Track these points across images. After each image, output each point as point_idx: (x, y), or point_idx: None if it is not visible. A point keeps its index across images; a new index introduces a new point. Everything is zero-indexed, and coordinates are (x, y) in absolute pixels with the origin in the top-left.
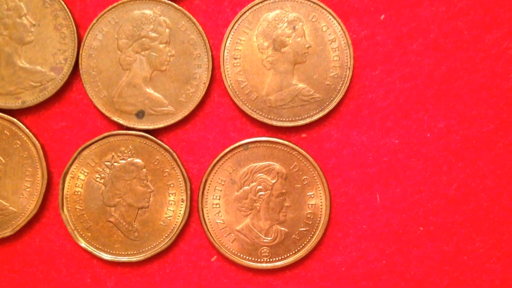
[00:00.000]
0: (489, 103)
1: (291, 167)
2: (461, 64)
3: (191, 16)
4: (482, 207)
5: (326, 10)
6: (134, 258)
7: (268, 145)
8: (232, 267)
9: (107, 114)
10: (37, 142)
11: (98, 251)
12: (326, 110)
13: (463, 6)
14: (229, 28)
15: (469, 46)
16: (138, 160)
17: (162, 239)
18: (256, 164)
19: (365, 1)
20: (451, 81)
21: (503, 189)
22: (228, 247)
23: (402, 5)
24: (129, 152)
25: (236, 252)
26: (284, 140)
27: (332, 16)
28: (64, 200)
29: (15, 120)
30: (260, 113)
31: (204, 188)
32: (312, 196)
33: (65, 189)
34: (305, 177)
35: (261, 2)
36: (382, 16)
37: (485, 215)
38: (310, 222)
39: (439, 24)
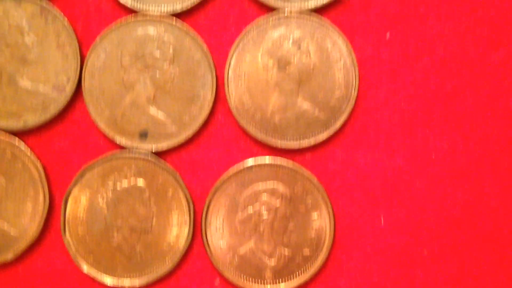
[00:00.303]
0: (495, 124)
1: (295, 189)
2: (467, 83)
3: (195, 35)
4: (488, 229)
5: (331, 28)
6: (136, 282)
7: (272, 166)
8: None
9: (110, 134)
10: (39, 163)
11: (100, 275)
12: (331, 130)
13: (469, 24)
14: (233, 47)
15: (475, 65)
16: (141, 182)
17: (165, 262)
18: (260, 185)
19: (371, 19)
20: (457, 101)
21: (509, 211)
22: (232, 270)
23: (408, 24)
24: (132, 174)
25: (239, 276)
26: (289, 160)
27: (338, 34)
28: (66, 223)
29: (16, 141)
30: (265, 134)
31: (207, 210)
32: (316, 218)
33: (67, 212)
34: (309, 198)
35: (266, 20)
36: (388, 35)
37: (491, 238)
38: (314, 245)
39: (445, 42)
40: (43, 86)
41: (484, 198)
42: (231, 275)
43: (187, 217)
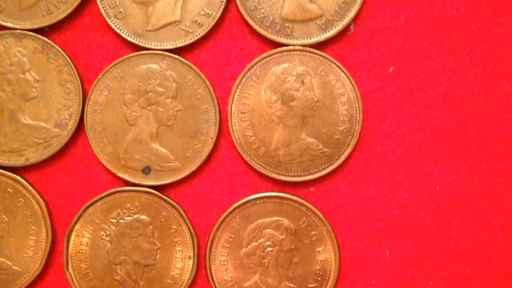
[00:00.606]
0: (498, 156)
1: (299, 223)
2: (471, 117)
3: (198, 70)
4: (493, 262)
5: (334, 63)
6: None
7: (276, 200)
8: None
9: (113, 170)
10: (41, 199)
11: None
12: (335, 164)
13: (472, 59)
14: (236, 82)
15: (479, 99)
16: (144, 217)
17: None
18: (264, 219)
19: (374, 53)
20: (460, 134)
21: None
22: None
23: (411, 58)
24: (135, 209)
25: None
26: (293, 195)
27: (341, 69)
28: (69, 259)
29: (18, 177)
30: (268, 168)
31: (211, 245)
32: (321, 251)
33: (70, 247)
34: (314, 232)
35: (269, 55)
36: (391, 69)
37: (496, 270)
38: (319, 278)
39: (448, 76)
40: (45, 122)
41: (489, 230)
42: None
43: (191, 252)
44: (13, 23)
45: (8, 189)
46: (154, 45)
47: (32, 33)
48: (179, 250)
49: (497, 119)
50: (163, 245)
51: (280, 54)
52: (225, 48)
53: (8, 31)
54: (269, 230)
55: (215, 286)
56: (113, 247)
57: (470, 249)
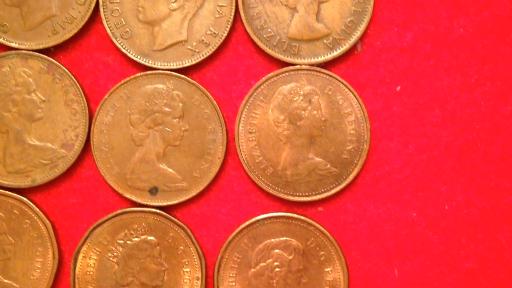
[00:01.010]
0: (507, 175)
1: (308, 243)
2: (479, 135)
3: (205, 90)
4: (502, 281)
5: (342, 82)
6: None
7: (284, 220)
8: None
9: (120, 191)
10: (47, 220)
11: None
12: (343, 184)
13: (480, 77)
14: (243, 102)
15: (486, 118)
16: (151, 238)
17: None
18: (272, 240)
19: (381, 72)
20: (468, 152)
21: None
22: None
23: (418, 76)
24: (142, 230)
25: None
26: (301, 214)
27: (348, 88)
28: (76, 280)
29: (24, 199)
30: (276, 188)
31: (219, 265)
32: (330, 271)
33: (77, 269)
34: (322, 252)
35: (276, 75)
36: (398, 88)
37: None
38: None
39: (456, 95)
40: (52, 143)
41: (498, 249)
42: None
43: (199, 273)
44: (18, 44)
45: (14, 211)
46: (161, 65)
47: (37, 53)
48: (186, 271)
49: (505, 138)
50: (170, 266)
51: (287, 74)
52: (231, 67)
53: (13, 51)
54: (278, 250)
55: None
56: (120, 269)
57: (479, 268)
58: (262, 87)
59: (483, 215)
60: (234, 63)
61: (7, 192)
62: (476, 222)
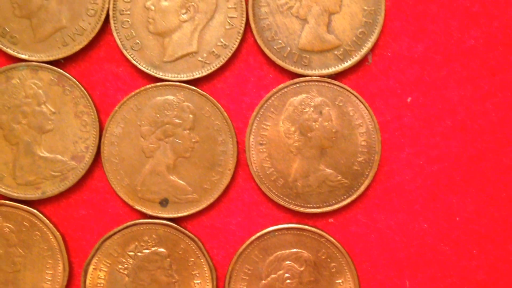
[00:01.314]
0: None
1: (319, 254)
2: (489, 146)
3: (215, 101)
4: None
5: (352, 93)
6: None
7: (295, 232)
8: None
9: (130, 202)
10: (57, 233)
11: None
12: (354, 195)
13: (490, 88)
14: (254, 113)
15: (497, 128)
16: (162, 250)
17: None
18: (283, 251)
19: (392, 83)
20: (479, 163)
21: None
22: None
23: (429, 87)
24: (153, 242)
25: None
26: (311, 226)
27: (359, 99)
28: None
29: (34, 211)
30: (287, 200)
31: (230, 277)
32: (341, 283)
33: (87, 281)
34: (333, 264)
35: (287, 86)
36: (409, 99)
37: None
38: None
39: (467, 106)
40: (62, 155)
41: (509, 261)
42: None
43: (209, 284)
44: (28, 55)
45: (24, 223)
46: (171, 76)
47: (47, 65)
48: (197, 283)
49: None
50: (181, 278)
51: (297, 85)
52: (242, 78)
53: (23, 63)
54: (288, 262)
55: None
56: (131, 281)
57: (491, 280)
58: (272, 98)
59: (494, 226)
60: (245, 74)
61: (17, 204)
62: (487, 233)
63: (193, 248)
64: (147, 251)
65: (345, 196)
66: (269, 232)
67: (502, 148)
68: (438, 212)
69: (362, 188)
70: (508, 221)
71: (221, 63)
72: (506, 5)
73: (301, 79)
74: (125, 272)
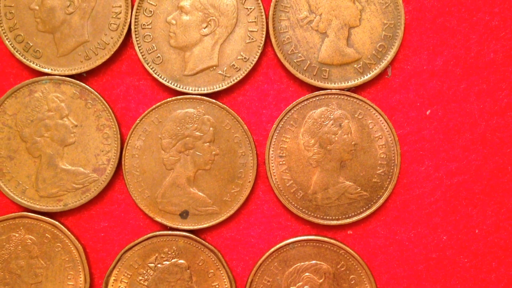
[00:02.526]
0: None
1: (338, 266)
2: (509, 159)
3: (235, 114)
4: None
5: (372, 106)
6: None
7: (314, 244)
8: None
9: (151, 214)
10: (79, 244)
11: None
12: (373, 208)
13: (510, 101)
14: (274, 126)
15: None
16: (182, 261)
17: None
18: (302, 263)
19: (411, 96)
20: (499, 176)
21: None
22: None
23: (448, 100)
24: (173, 253)
25: None
26: (331, 238)
27: (378, 112)
28: None
29: (56, 222)
30: (306, 212)
31: None
32: None
33: None
34: (352, 276)
35: (306, 99)
36: (428, 111)
37: None
38: None
39: (486, 119)
40: (83, 167)
41: None
42: None
43: None
44: (51, 69)
45: (47, 235)
46: (192, 90)
47: (70, 79)
48: None
49: None
50: None
51: (317, 98)
52: (262, 91)
53: (46, 77)
54: (308, 274)
55: None
56: None
57: None
58: (292, 111)
59: None
60: (265, 88)
61: (40, 216)
62: (506, 246)
63: (213, 259)
64: (167, 262)
65: (364, 209)
66: (288, 244)
67: None
68: (458, 224)
69: (381, 201)
70: None
71: (241, 76)
72: None
73: (321, 92)
74: (146, 284)
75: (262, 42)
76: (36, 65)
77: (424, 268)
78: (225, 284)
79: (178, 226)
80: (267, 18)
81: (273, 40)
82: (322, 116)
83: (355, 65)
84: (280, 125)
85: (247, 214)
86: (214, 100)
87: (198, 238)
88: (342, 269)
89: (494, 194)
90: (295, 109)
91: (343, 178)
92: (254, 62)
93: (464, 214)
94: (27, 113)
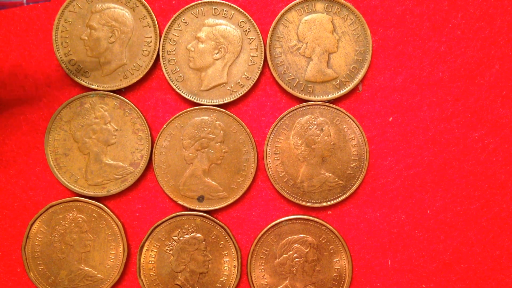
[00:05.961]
0: (475, 184)
1: (320, 239)
2: (454, 155)
3: (240, 121)
4: (473, 269)
5: (346, 114)
6: None
7: (302, 221)
8: None
9: (174, 198)
10: (119, 222)
11: None
12: (348, 193)
13: (454, 110)
14: (270, 130)
15: (460, 141)
16: (199, 235)
17: None
18: (293, 236)
19: (377, 107)
20: (445, 168)
21: (488, 254)
22: None
23: (406, 109)
24: (192, 229)
25: None
26: (315, 217)
27: (352, 119)
28: (141, 268)
29: (101, 205)
30: (295, 196)
31: (252, 257)
32: (338, 261)
33: (142, 259)
34: (331, 246)
35: (296, 109)
36: (391, 118)
37: (476, 276)
38: (337, 282)
39: (436, 124)
40: (122, 162)
41: (469, 244)
42: None
43: (236, 262)
44: (97, 86)
45: (94, 214)
46: (206, 102)
47: (112, 93)
48: (226, 261)
49: (475, 158)
50: (213, 256)
51: (304, 108)
52: (261, 103)
53: (93, 92)
54: (297, 245)
55: None
56: (175, 259)
57: (454, 259)
58: (284, 118)
59: (457, 217)
60: (263, 100)
61: (88, 200)
62: (451, 222)
63: (223, 234)
64: (187, 236)
65: (340, 194)
66: (281, 222)
67: (463, 156)
68: (413, 206)
69: (354, 188)
70: (467, 213)
71: (245, 91)
72: (467, 46)
73: (307, 103)
74: (171, 253)
75: (261, 65)
76: (86, 82)
77: (387, 240)
78: (233, 253)
79: (196, 208)
80: (265, 46)
81: (269, 63)
82: (308, 122)
83: (334, 82)
84: (275, 129)
85: (249, 198)
86: (224, 110)
87: (211, 217)
88: (324, 241)
89: (442, 182)
90: (287, 117)
91: (324, 170)
92: (255, 80)
93: (419, 198)
94: (78, 120)
